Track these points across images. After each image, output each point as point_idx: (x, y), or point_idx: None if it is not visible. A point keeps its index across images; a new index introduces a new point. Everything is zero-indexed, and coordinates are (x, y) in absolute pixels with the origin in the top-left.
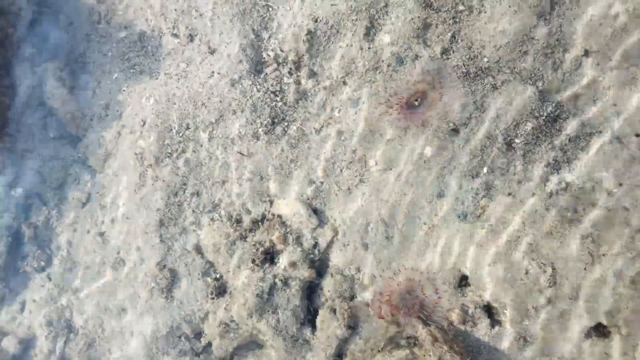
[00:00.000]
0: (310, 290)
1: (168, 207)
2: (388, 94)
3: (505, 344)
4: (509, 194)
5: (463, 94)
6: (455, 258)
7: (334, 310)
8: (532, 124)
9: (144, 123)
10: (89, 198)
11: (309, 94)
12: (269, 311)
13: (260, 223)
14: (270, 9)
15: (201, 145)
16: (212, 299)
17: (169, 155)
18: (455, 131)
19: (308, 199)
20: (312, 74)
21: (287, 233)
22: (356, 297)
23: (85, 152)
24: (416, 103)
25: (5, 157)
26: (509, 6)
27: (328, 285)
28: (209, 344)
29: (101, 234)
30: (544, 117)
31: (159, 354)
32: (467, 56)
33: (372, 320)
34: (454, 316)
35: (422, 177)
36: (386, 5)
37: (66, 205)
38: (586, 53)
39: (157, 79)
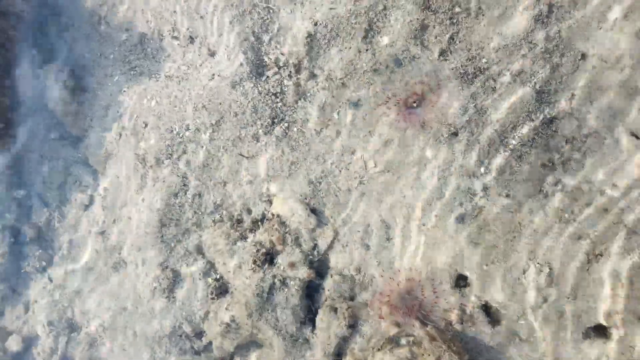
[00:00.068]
0: (311, 290)
1: (169, 207)
2: (386, 96)
3: (503, 343)
4: (507, 195)
5: (461, 96)
6: (453, 258)
7: (334, 310)
8: (529, 126)
9: (145, 125)
10: (90, 199)
11: (309, 95)
12: (268, 311)
13: (260, 223)
14: (270, 11)
15: (202, 147)
16: (213, 299)
17: (169, 156)
18: (453, 133)
19: (307, 199)
20: (312, 76)
21: (286, 233)
22: (356, 297)
23: (86, 153)
24: (414, 105)
25: (6, 157)
26: (505, 8)
27: (328, 285)
28: (210, 343)
29: (102, 234)
30: (540, 119)
31: (161, 353)
32: (466, 58)
33: (372, 320)
34: (453, 316)
35: (421, 178)
36: (385, 8)
37: (67, 205)
38: (583, 56)
39: (157, 80)
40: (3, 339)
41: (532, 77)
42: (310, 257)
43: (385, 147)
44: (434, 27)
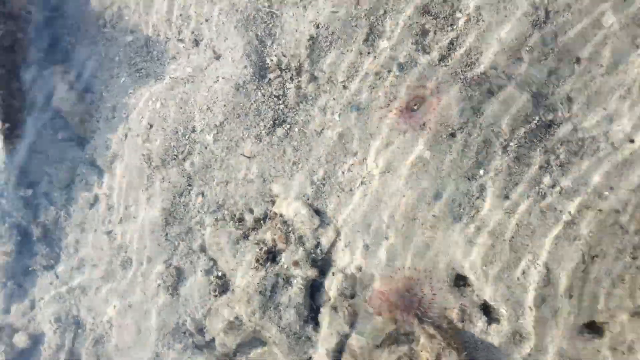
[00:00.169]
0: (313, 289)
1: (174, 207)
2: (387, 99)
3: (501, 341)
4: (505, 197)
5: (460, 99)
6: (452, 258)
7: (335, 308)
8: (526, 129)
9: (151, 126)
10: (97, 198)
11: (311, 97)
12: (272, 308)
13: (262, 222)
14: (273, 15)
15: (206, 148)
16: (216, 296)
17: (175, 157)
18: (452, 135)
19: (309, 199)
20: (313, 79)
21: (289, 232)
22: (357, 295)
23: (93, 154)
24: (415, 107)
25: (14, 158)
26: (505, 15)
27: (330, 283)
28: (213, 340)
29: (108, 233)
30: (537, 122)
31: (165, 349)
32: (465, 62)
33: (372, 317)
34: (453, 315)
35: (421, 179)
36: (385, 13)
37: (74, 205)
38: (577, 60)
39: (163, 82)
40: (10, 335)
41: (530, 81)
42: (313, 255)
43: (386, 148)
44: (435, 32)
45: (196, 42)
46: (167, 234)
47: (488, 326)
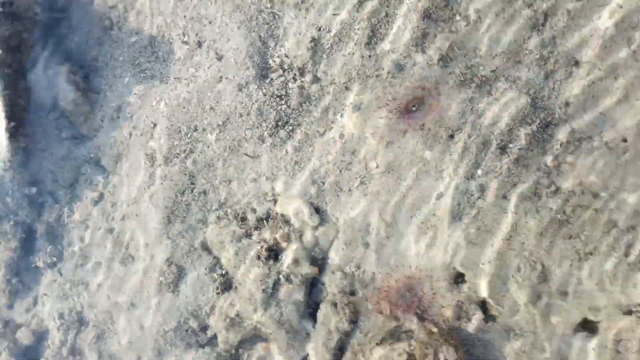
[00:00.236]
0: (313, 286)
1: (176, 205)
2: (388, 99)
3: (498, 338)
4: (504, 197)
5: (459, 100)
6: (451, 256)
7: (334, 305)
8: (525, 130)
9: (154, 125)
10: (100, 196)
11: (313, 98)
12: (272, 305)
13: (265, 221)
14: (275, 16)
15: (209, 147)
16: (218, 293)
17: (177, 155)
18: (451, 135)
19: (310, 198)
20: (316, 80)
21: (290, 231)
22: (356, 294)
23: (97, 152)
24: (414, 108)
25: (21, 156)
26: (504, 18)
27: (329, 281)
28: (215, 337)
29: (111, 231)
30: (536, 124)
31: (167, 346)
32: (464, 64)
33: (372, 315)
34: (450, 312)
35: (420, 178)
36: (387, 15)
37: (78, 202)
38: (576, 63)
39: (167, 83)
40: (13, 331)
41: (528, 83)
42: (313, 254)
43: (386, 148)
44: (435, 35)
45: (199, 44)
46: (169, 232)
47: (485, 323)
